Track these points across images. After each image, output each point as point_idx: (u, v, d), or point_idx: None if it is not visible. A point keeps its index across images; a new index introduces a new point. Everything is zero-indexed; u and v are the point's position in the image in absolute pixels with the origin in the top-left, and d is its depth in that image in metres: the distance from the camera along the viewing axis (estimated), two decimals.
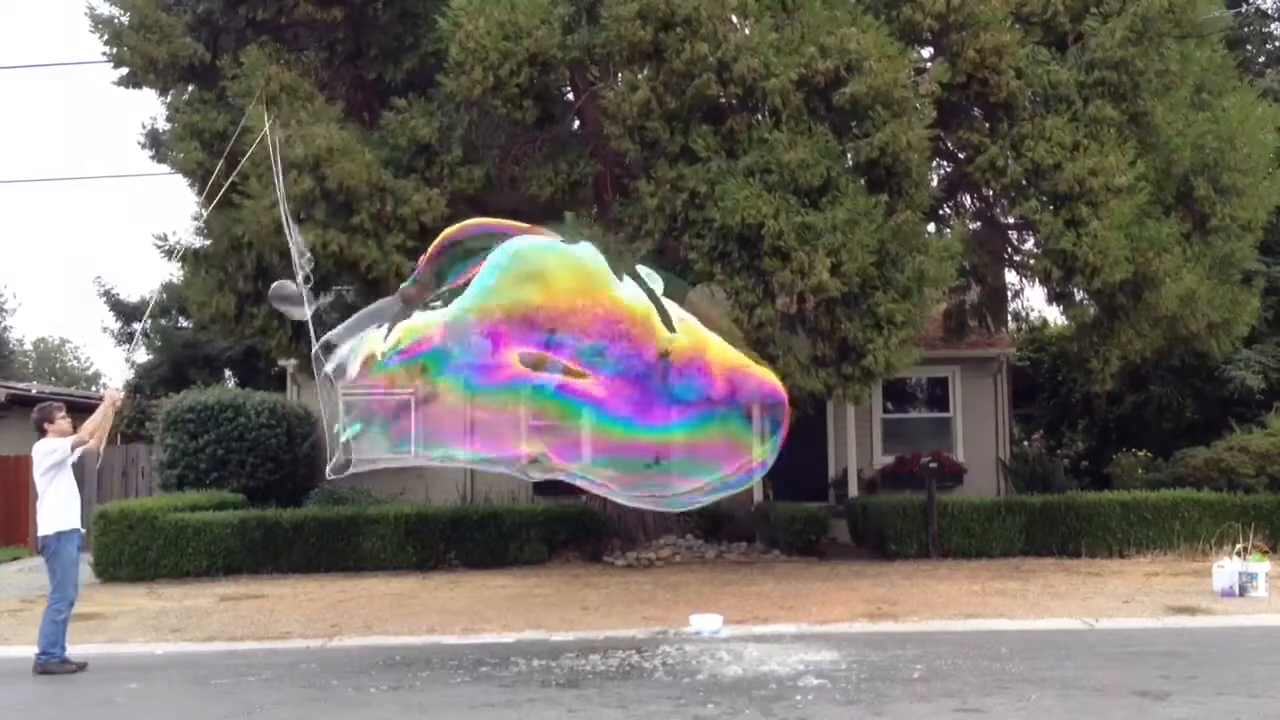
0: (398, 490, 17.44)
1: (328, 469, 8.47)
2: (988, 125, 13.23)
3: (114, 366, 49.37)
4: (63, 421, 9.17)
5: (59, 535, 8.89)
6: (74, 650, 10.23)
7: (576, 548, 15.57)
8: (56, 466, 8.93)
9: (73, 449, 8.92)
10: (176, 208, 73.07)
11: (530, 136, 12.97)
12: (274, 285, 9.18)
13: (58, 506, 8.93)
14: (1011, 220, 14.73)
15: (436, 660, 8.99)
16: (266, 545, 15.24)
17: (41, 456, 9.03)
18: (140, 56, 13.25)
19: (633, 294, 8.26)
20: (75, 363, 51.44)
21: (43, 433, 9.14)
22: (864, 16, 12.01)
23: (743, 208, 11.44)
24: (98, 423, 8.90)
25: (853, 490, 18.08)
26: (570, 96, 14.19)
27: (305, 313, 8.66)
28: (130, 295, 27.47)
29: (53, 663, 8.90)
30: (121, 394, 9.03)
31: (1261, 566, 11.48)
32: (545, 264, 8.34)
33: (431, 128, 12.68)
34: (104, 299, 27.04)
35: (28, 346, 48.62)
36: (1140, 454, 18.74)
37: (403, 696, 7.70)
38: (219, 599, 12.99)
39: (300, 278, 8.63)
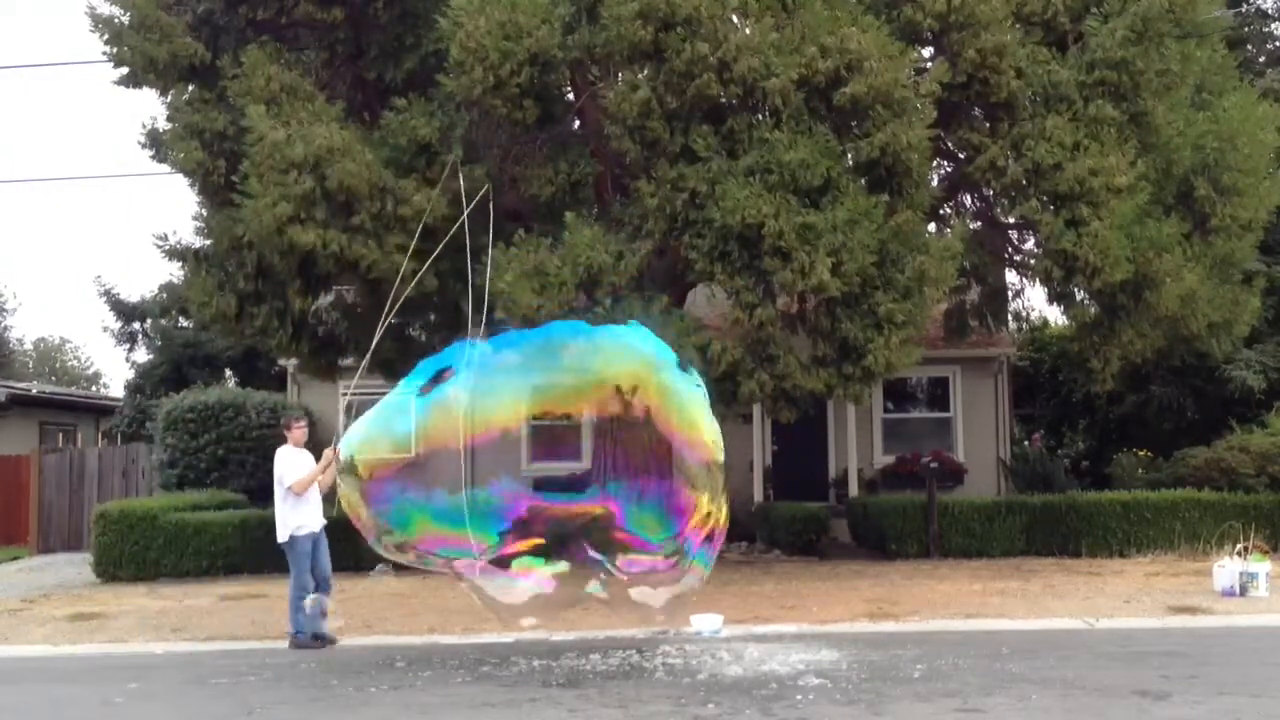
0: None
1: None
2: (988, 125, 13.22)
3: (114, 366, 49.45)
4: (298, 431, 10.20)
5: (293, 538, 9.89)
6: (72, 650, 10.31)
7: None
8: (280, 487, 9.92)
9: (294, 487, 9.82)
10: (176, 208, 73.30)
11: (530, 136, 12.95)
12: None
13: (292, 516, 9.88)
14: (1012, 220, 14.72)
15: (437, 660, 8.99)
16: (267, 545, 15.16)
17: (278, 465, 9.99)
18: (140, 56, 13.22)
19: None
20: (75, 363, 51.48)
21: (283, 438, 10.25)
22: (864, 16, 11.99)
23: (743, 208, 11.44)
24: (318, 476, 9.79)
25: (853, 490, 18.08)
26: (570, 96, 14.17)
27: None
28: (130, 295, 27.47)
29: (301, 638, 9.85)
30: (339, 451, 9.54)
31: (1262, 566, 11.48)
32: None
33: (432, 128, 12.66)
34: (104, 299, 27.01)
35: (28, 346, 48.66)
36: (1141, 454, 18.73)
37: (403, 696, 7.71)
38: (219, 598, 13.00)
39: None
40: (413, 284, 12.71)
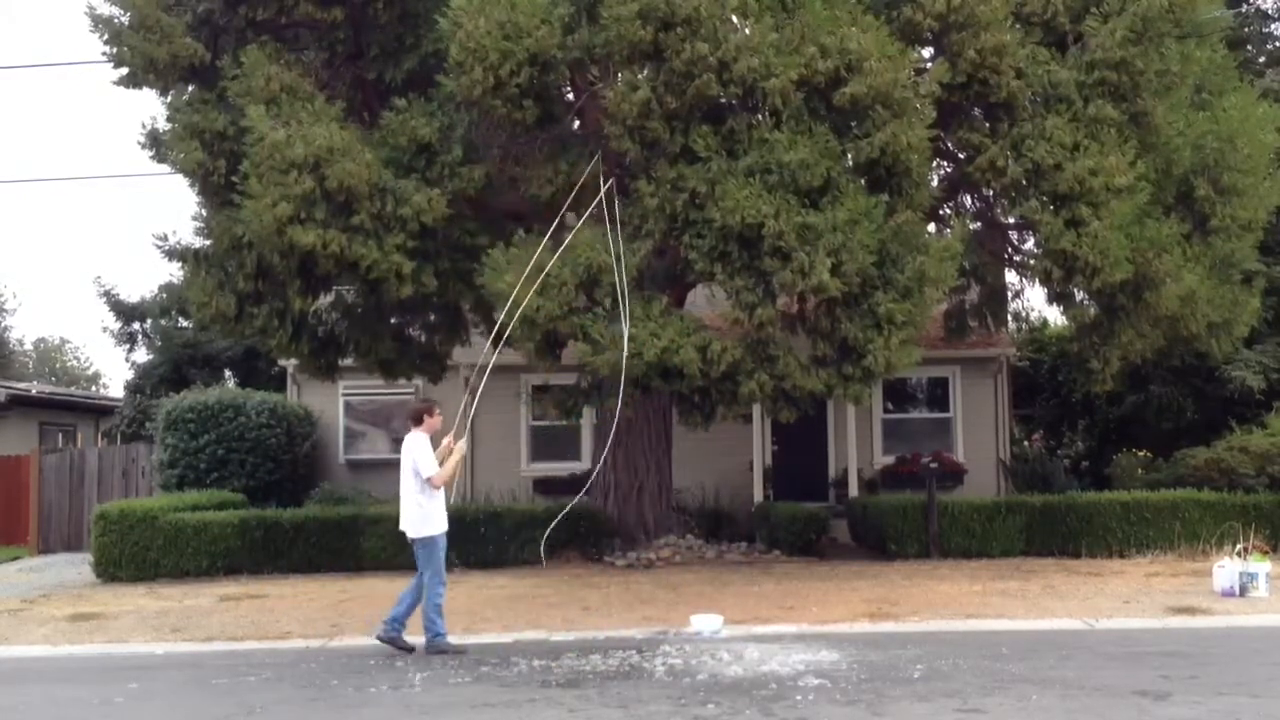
0: (398, 490, 17.44)
1: None
2: (988, 125, 13.22)
3: (114, 366, 49.49)
4: (436, 420, 9.66)
5: (433, 535, 9.39)
6: (72, 650, 10.29)
7: (577, 548, 15.55)
8: (418, 478, 9.38)
9: (434, 482, 9.39)
10: (176, 208, 73.29)
11: (530, 136, 12.95)
12: None
13: (421, 514, 9.40)
14: (1012, 220, 14.72)
15: (437, 660, 9.00)
16: (267, 545, 15.24)
17: (407, 451, 9.49)
18: (140, 56, 13.23)
19: None
20: (75, 363, 51.52)
21: (419, 423, 9.56)
22: (864, 16, 11.99)
23: (743, 208, 11.43)
24: (450, 471, 9.51)
25: (853, 490, 18.08)
26: (570, 96, 14.17)
27: None
28: (130, 295, 27.47)
29: (442, 642, 9.35)
30: (464, 445, 9.64)
31: (1262, 566, 11.48)
32: None
33: (431, 128, 12.67)
34: (104, 299, 26.99)
35: (28, 346, 48.69)
36: (1140, 454, 18.73)
37: (403, 696, 7.71)
38: (219, 599, 12.99)
39: None
40: (412, 284, 12.76)
